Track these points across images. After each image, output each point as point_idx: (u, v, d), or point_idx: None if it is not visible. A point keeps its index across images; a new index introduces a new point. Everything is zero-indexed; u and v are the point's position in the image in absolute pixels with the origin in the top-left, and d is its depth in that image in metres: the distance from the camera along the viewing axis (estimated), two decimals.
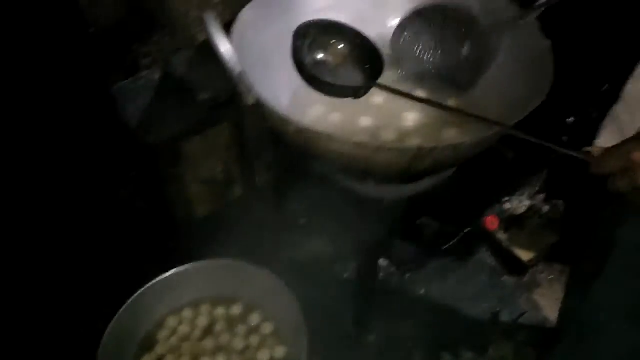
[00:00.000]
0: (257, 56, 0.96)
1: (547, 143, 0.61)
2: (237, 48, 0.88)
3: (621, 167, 0.49)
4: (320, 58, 0.78)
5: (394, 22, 1.12)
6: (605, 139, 0.75)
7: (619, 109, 0.71)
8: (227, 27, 0.95)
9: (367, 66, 0.80)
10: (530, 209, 1.26)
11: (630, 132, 0.67)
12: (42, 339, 1.13)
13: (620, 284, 0.75)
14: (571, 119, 1.14)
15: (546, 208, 1.28)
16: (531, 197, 1.27)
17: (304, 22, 0.78)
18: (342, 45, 0.80)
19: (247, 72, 0.84)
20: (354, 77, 0.79)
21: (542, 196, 1.29)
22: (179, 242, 1.15)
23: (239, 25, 0.93)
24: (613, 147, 0.51)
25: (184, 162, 1.02)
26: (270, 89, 0.97)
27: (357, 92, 0.78)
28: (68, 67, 1.07)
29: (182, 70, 1.01)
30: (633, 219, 0.69)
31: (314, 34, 0.78)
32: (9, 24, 1.00)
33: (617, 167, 0.50)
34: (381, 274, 1.27)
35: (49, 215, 1.19)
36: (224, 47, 0.74)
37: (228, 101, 0.97)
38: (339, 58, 0.79)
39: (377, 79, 0.79)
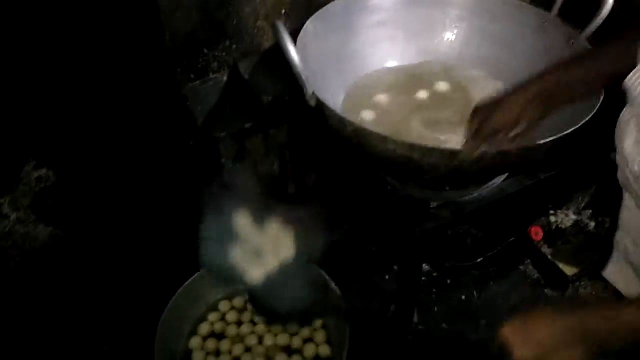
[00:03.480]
0: (318, 63, 1.04)
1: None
2: (301, 55, 0.96)
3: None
4: None
5: (446, 36, 1.19)
6: (611, 271, 0.76)
7: (619, 236, 0.72)
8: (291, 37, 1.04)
9: None
10: (576, 224, 1.27)
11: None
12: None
13: None
14: None
15: (592, 224, 1.28)
16: (578, 212, 1.28)
17: None
18: None
19: (309, 77, 0.92)
20: None
21: (588, 212, 1.29)
22: None
23: (303, 35, 1.01)
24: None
25: (246, 157, 1.10)
26: (329, 92, 1.04)
27: None
28: (146, 69, 1.18)
29: (247, 74, 1.10)
30: None
31: None
32: (101, 34, 1.12)
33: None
34: (423, 278, 1.30)
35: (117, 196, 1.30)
36: (292, 52, 0.82)
37: (288, 104, 1.04)
38: None
39: None
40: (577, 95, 0.68)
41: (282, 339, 1.01)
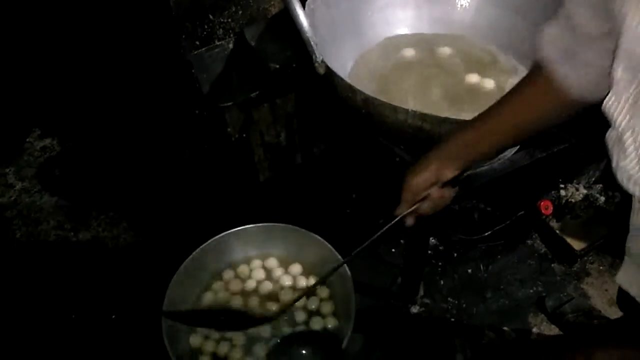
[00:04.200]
0: (327, 30, 1.01)
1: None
2: (310, 21, 0.93)
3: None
4: None
5: (459, 2, 1.15)
6: (624, 277, 0.74)
7: (630, 241, 0.70)
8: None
9: None
10: (585, 198, 1.25)
11: None
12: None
13: None
14: None
15: (602, 199, 1.27)
16: (588, 186, 1.26)
17: None
18: None
19: (318, 43, 0.90)
20: None
21: (599, 186, 1.27)
22: (240, 204, 1.22)
23: (312, 1, 0.98)
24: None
25: (252, 128, 1.08)
26: (337, 60, 1.01)
27: None
28: (151, 35, 1.15)
29: (254, 41, 1.07)
30: None
31: None
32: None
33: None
34: (430, 252, 1.30)
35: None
36: (302, 16, 0.79)
37: (296, 72, 1.02)
38: None
39: None
40: (493, 149, 0.72)
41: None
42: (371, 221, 1.31)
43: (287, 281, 1.04)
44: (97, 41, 1.29)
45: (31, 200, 1.46)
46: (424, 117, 0.77)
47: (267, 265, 1.07)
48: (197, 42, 1.09)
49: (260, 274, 1.06)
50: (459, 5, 1.14)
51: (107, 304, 1.20)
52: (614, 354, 0.54)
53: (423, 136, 0.82)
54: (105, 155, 1.46)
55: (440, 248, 1.32)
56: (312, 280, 1.04)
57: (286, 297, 1.02)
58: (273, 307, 1.01)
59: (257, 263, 1.07)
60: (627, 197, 1.15)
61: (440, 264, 1.30)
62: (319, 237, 1.03)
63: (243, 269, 1.07)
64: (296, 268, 1.06)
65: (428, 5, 1.13)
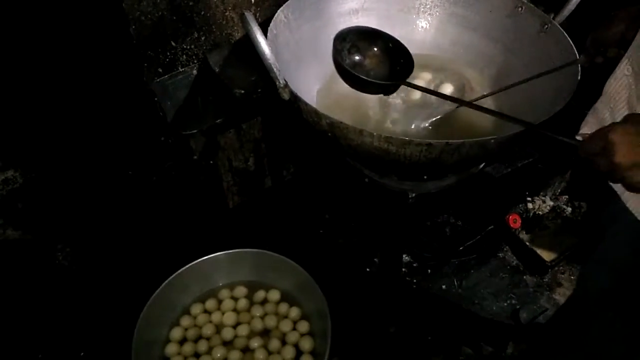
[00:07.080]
0: (290, 54, 1.01)
1: (543, 131, 0.67)
2: (272, 46, 0.93)
3: (601, 148, 0.55)
4: (357, 59, 0.87)
5: (420, 23, 1.17)
6: (585, 132, 0.78)
7: (599, 105, 0.75)
8: (261, 27, 1.00)
9: (398, 67, 0.86)
10: (553, 209, 1.28)
11: None
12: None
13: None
14: None
15: (569, 210, 1.29)
16: (554, 198, 1.29)
17: (345, 28, 0.86)
18: (376, 49, 0.88)
19: (281, 68, 0.89)
20: (385, 75, 0.86)
21: (565, 198, 1.30)
22: (211, 231, 1.20)
23: (274, 25, 0.98)
24: (595, 131, 0.57)
25: (219, 154, 1.07)
26: (303, 84, 1.01)
27: (387, 89, 0.84)
28: (110, 64, 1.13)
29: (218, 67, 1.06)
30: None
31: (352, 38, 0.86)
32: (57, 25, 1.07)
33: (598, 148, 0.55)
34: (403, 269, 1.30)
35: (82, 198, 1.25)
36: (263, 44, 0.79)
37: (261, 96, 1.01)
38: (373, 59, 0.85)
39: (406, 78, 0.85)
40: None
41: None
42: (344, 241, 1.30)
43: (266, 308, 1.03)
44: (58, 71, 1.26)
45: None
46: (389, 139, 0.77)
47: (237, 294, 1.05)
48: (160, 70, 1.08)
49: (230, 304, 1.04)
50: (420, 26, 1.16)
51: (74, 341, 1.15)
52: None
53: (389, 158, 0.82)
54: (70, 186, 1.42)
55: (414, 265, 1.33)
56: (294, 310, 1.02)
57: (271, 323, 1.00)
58: (247, 336, 0.99)
59: (226, 293, 1.05)
60: (592, 207, 1.18)
61: (415, 281, 1.30)
62: (292, 261, 1.02)
63: (211, 302, 1.05)
64: (274, 294, 1.05)
65: (390, 27, 1.14)
